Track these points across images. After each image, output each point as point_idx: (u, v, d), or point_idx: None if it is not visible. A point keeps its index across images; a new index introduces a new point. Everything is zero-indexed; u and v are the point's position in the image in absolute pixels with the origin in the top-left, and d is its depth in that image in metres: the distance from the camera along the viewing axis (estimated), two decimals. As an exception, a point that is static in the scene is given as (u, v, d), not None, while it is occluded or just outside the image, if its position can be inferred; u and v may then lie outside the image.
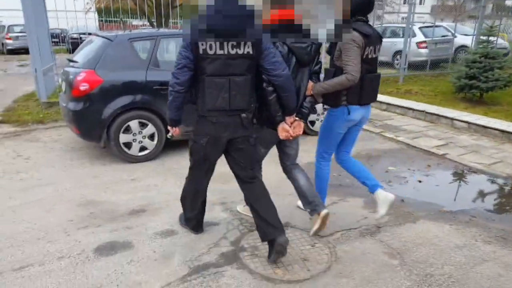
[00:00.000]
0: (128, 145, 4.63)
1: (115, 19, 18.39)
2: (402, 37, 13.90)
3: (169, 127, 2.75)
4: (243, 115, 2.58)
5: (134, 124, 4.57)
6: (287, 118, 2.74)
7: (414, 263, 2.78)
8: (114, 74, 4.45)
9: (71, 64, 4.82)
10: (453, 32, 12.64)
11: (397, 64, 13.69)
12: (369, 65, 2.85)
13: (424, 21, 19.23)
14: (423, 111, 7.15)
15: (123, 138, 4.56)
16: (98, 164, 4.66)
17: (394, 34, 14.35)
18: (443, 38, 13.11)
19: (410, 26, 11.09)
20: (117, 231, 3.18)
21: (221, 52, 2.40)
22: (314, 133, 5.92)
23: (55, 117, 6.68)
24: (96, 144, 4.90)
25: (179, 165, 4.54)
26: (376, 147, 5.50)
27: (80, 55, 4.85)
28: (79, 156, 4.90)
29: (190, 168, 2.90)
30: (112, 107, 4.42)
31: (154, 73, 4.60)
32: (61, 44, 18.78)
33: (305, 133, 5.94)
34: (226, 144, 2.65)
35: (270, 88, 2.59)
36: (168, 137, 2.94)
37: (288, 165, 3.12)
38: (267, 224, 2.67)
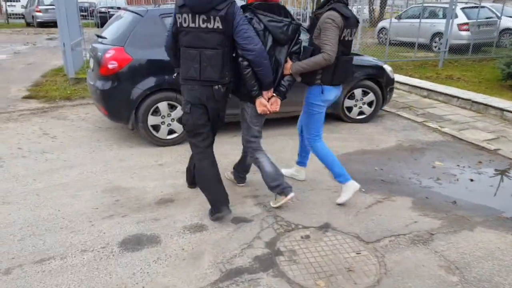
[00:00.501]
0: (156, 127, 4.40)
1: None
2: (442, 18, 13.15)
3: None
4: (215, 87, 2.74)
5: (163, 106, 4.33)
6: (264, 93, 2.87)
7: (478, 282, 2.44)
8: (144, 52, 4.18)
9: (100, 40, 4.58)
10: (498, 14, 11.76)
11: (435, 47, 12.95)
12: (345, 48, 2.96)
13: (467, 1, 18.15)
14: (469, 99, 6.61)
15: (152, 120, 4.33)
16: (125, 146, 4.45)
17: (433, 15, 13.51)
18: (487, 20, 12.23)
19: (453, 7, 10.32)
20: (143, 222, 2.97)
21: (193, 25, 2.63)
22: (352, 120, 5.56)
23: (83, 93, 6.53)
24: (123, 125, 4.70)
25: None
26: (419, 139, 5.08)
27: (109, 31, 4.60)
28: (106, 136, 4.71)
29: (190, 144, 3.05)
30: (141, 87, 4.17)
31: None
32: (89, 18, 18.70)
33: (340, 119, 5.62)
34: (207, 112, 2.87)
35: (245, 63, 2.72)
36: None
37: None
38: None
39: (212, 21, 2.60)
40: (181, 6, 2.64)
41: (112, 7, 14.52)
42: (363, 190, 3.60)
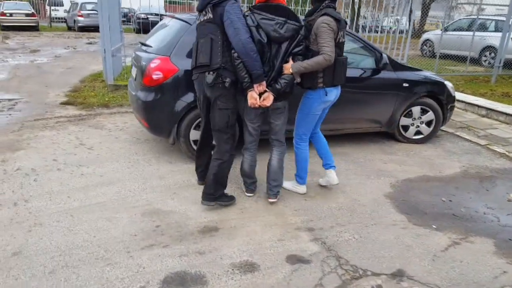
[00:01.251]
0: (196, 143, 4.06)
1: (180, 0, 18.18)
2: (494, 31, 12.38)
3: None
4: (207, 73, 2.93)
5: (207, 120, 4.00)
6: (255, 86, 2.95)
7: None
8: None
9: (144, 48, 4.31)
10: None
11: (485, 61, 12.19)
12: (339, 49, 3.13)
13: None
14: (536, 121, 5.99)
15: (194, 135, 4.00)
16: (164, 162, 4.15)
17: (483, 28, 12.73)
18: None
19: (511, 20, 9.59)
20: (187, 256, 2.62)
21: (198, 22, 3.08)
22: (408, 141, 5.07)
23: (121, 101, 6.33)
24: (163, 139, 4.40)
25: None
26: (486, 165, 4.54)
27: (154, 39, 4.33)
28: (144, 150, 4.43)
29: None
30: (186, 100, 3.86)
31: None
32: (127, 23, 18.90)
33: (395, 138, 5.16)
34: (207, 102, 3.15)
35: (236, 54, 2.88)
36: None
37: (272, 138, 3.34)
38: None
39: (206, 13, 2.93)
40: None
41: (151, 13, 14.60)
42: (434, 226, 3.14)
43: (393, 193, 3.74)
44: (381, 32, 11.27)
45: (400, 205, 3.51)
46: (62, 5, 25.50)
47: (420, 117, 5.01)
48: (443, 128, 5.52)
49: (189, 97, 3.84)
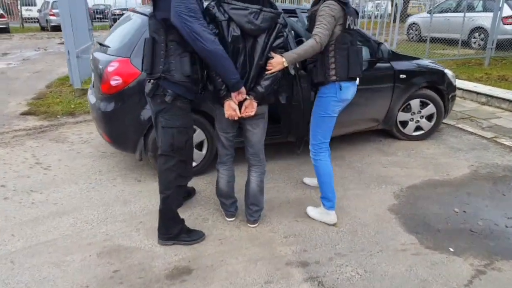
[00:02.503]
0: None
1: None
2: (482, 11, 11.91)
3: None
4: (147, 81, 2.40)
5: (178, 130, 3.43)
6: (233, 95, 2.44)
7: None
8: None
9: (102, 48, 3.70)
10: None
11: (475, 43, 11.74)
12: (352, 37, 2.73)
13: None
14: (542, 108, 5.53)
15: (164, 148, 3.44)
16: (132, 180, 3.58)
17: (470, 8, 12.25)
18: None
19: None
20: (151, 313, 2.08)
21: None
22: (407, 137, 4.57)
23: (88, 108, 5.69)
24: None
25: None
26: (497, 162, 4.05)
27: (113, 38, 3.72)
28: (109, 166, 3.85)
29: None
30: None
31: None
32: (104, 20, 18.08)
33: (393, 136, 4.65)
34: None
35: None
36: None
37: (249, 153, 2.78)
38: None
39: (151, 5, 2.34)
40: None
41: (126, 9, 13.82)
42: (452, 250, 2.63)
43: (398, 205, 3.23)
44: (362, 18, 10.72)
45: (408, 221, 3.00)
46: (35, 5, 24.46)
47: (420, 111, 4.49)
48: (444, 120, 5.02)
49: (154, 105, 3.26)
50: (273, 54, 2.46)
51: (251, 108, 2.49)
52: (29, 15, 23.57)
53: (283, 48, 2.53)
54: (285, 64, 2.48)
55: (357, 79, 2.83)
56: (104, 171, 3.74)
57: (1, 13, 17.90)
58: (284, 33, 2.52)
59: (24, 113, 5.50)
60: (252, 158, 2.78)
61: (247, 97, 2.47)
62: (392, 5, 10.77)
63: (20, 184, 3.48)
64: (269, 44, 2.44)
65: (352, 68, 2.70)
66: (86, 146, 4.36)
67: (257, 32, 2.39)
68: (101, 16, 19.32)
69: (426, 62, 4.59)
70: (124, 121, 3.33)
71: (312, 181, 3.47)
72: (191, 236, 2.68)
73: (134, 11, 3.85)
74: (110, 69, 3.23)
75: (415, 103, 4.42)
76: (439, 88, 4.47)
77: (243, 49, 2.41)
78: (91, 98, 3.73)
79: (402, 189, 3.50)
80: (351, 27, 2.69)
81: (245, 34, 2.38)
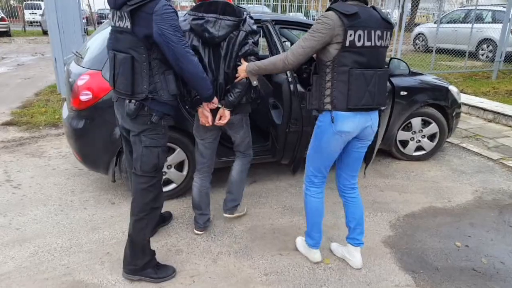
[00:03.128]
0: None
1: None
2: (491, 22, 11.63)
3: None
4: (127, 101, 2.15)
5: (155, 149, 3.15)
6: (204, 104, 2.44)
7: None
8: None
9: (78, 59, 3.44)
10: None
11: (483, 55, 11.44)
12: (360, 56, 2.11)
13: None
14: (552, 126, 5.21)
15: (140, 168, 3.17)
16: (105, 202, 3.30)
17: (479, 19, 11.97)
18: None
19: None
20: None
21: (113, 24, 2.18)
22: (407, 158, 4.27)
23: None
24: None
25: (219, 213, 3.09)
26: (503, 188, 3.74)
27: (88, 48, 3.46)
28: (83, 185, 3.58)
29: None
30: (124, 126, 3.01)
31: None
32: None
33: (391, 156, 4.35)
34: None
35: None
36: None
37: (236, 149, 2.87)
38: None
39: (122, 17, 2.06)
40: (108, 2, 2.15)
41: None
42: (452, 295, 2.33)
43: (394, 237, 2.93)
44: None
45: (404, 257, 2.69)
46: (40, 8, 24.43)
47: (421, 130, 4.20)
48: (447, 139, 4.72)
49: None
50: (242, 61, 2.43)
51: (224, 117, 2.51)
52: (33, 18, 23.50)
53: (253, 55, 2.46)
54: (246, 75, 2.40)
55: (379, 108, 2.29)
56: (77, 191, 3.47)
57: (2, 17, 17.78)
58: (250, 40, 2.44)
59: (5, 123, 5.25)
60: (236, 150, 2.88)
61: (219, 105, 2.47)
62: (402, 13, 10.51)
63: (-16, 205, 3.22)
64: (234, 52, 2.42)
65: (353, 96, 2.13)
66: (63, 162, 4.09)
67: (216, 41, 2.38)
68: (103, 21, 19.28)
69: (429, 78, 4.29)
70: (95, 139, 3.06)
71: (342, 253, 2.69)
72: (158, 273, 2.39)
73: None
74: (80, 82, 2.96)
75: (416, 121, 4.12)
76: (442, 105, 4.18)
77: (207, 57, 2.42)
78: (65, 112, 3.47)
79: (399, 217, 3.20)
80: (357, 44, 2.08)
81: (205, 43, 2.40)
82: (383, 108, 2.31)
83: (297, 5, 14.44)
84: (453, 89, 4.30)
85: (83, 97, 2.94)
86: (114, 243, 2.76)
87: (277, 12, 13.87)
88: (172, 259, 2.61)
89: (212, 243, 2.79)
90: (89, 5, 17.27)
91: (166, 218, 3.01)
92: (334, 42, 2.07)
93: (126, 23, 2.05)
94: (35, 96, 6.74)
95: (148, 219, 2.32)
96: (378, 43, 2.13)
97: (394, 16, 11.32)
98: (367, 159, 2.85)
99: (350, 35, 2.04)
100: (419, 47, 13.56)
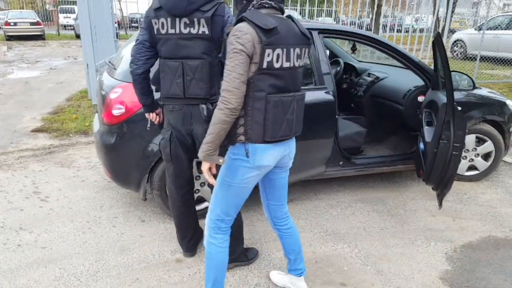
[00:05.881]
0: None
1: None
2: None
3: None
4: (202, 105, 2.13)
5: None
6: None
7: None
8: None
9: (109, 69, 3.27)
10: None
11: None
12: (278, 79, 1.77)
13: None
14: None
15: (172, 186, 2.97)
16: (135, 220, 3.11)
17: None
18: None
19: None
20: None
21: (172, 31, 2.16)
22: (457, 178, 3.91)
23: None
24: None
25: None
26: None
27: (120, 58, 3.28)
28: (113, 200, 3.41)
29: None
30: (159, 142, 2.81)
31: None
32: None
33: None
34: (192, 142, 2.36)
35: None
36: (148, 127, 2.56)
37: None
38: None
39: (193, 23, 2.13)
40: (157, 9, 2.16)
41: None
42: None
43: (453, 273, 2.60)
44: (399, 32, 10.01)
45: (467, 299, 2.37)
46: (74, 12, 25.00)
47: (475, 148, 3.84)
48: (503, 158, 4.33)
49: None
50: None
51: None
52: (67, 22, 24.08)
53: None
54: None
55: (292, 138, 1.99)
56: (105, 207, 3.30)
57: (38, 20, 18.24)
58: None
59: (36, 130, 5.19)
60: None
61: None
62: (434, 19, 10.06)
63: (11, 219, 3.08)
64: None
65: (270, 127, 1.80)
66: (92, 173, 3.94)
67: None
68: (137, 25, 19.53)
69: (484, 91, 3.93)
70: (127, 155, 2.87)
71: (280, 278, 2.44)
72: (248, 256, 2.62)
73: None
74: (112, 95, 2.79)
75: (470, 139, 3.77)
76: (498, 121, 3.81)
77: None
78: (96, 124, 3.31)
79: (456, 248, 2.87)
80: (275, 65, 1.73)
81: None
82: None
83: (326, 10, 14.11)
84: (510, 103, 3.92)
85: (115, 111, 2.75)
86: (144, 267, 2.55)
87: (304, 17, 13.60)
88: None
89: (249, 273, 2.55)
90: (121, 10, 17.50)
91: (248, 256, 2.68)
92: (252, 61, 1.71)
93: (201, 29, 2.12)
94: (66, 102, 6.71)
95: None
96: (296, 63, 1.82)
97: (429, 22, 10.85)
98: (440, 193, 2.75)
99: (268, 54, 1.70)
100: (457, 54, 12.98)
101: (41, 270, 2.51)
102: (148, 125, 2.55)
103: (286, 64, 1.76)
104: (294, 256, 2.25)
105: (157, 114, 2.47)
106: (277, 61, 1.72)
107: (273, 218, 2.20)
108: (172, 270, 2.54)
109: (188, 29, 2.13)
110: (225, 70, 1.70)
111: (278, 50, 1.71)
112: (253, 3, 1.77)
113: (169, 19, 2.13)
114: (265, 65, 1.70)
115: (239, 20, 1.72)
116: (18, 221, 3.05)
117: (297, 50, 1.80)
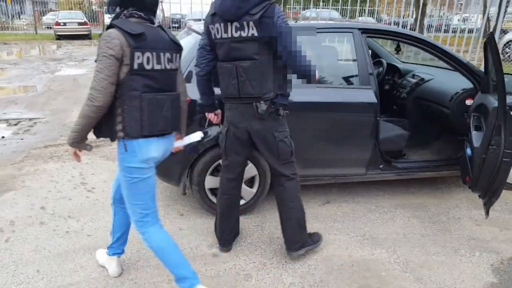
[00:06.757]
0: (217, 191, 3.08)
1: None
2: None
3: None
4: (257, 103, 2.32)
5: (228, 163, 2.99)
6: None
7: None
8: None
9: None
10: None
11: None
12: (151, 80, 1.94)
13: None
14: None
15: (211, 182, 3.03)
16: (174, 214, 3.20)
17: None
18: None
19: None
20: None
21: (225, 35, 2.29)
22: (506, 187, 3.71)
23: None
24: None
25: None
26: None
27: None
28: (154, 194, 3.52)
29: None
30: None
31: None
32: (181, 30, 18.50)
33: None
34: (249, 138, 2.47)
35: None
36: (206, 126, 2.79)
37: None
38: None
39: (243, 27, 2.22)
40: (212, 15, 2.31)
41: (199, 19, 13.86)
42: None
43: (499, 285, 2.49)
44: (446, 32, 9.60)
45: (514, 313, 2.26)
46: (118, 12, 25.92)
47: (526, 156, 3.63)
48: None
49: (205, 135, 2.86)
50: None
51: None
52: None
53: None
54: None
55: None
56: (147, 200, 3.41)
57: (85, 21, 19.08)
58: None
59: (84, 124, 5.43)
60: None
61: None
62: (483, 19, 9.59)
63: (60, 207, 3.25)
64: None
65: (146, 123, 1.92)
66: (135, 166, 4.08)
67: None
68: (177, 25, 19.92)
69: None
70: (169, 150, 2.96)
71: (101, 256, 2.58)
72: (313, 239, 2.74)
73: (190, 28, 3.47)
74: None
75: (520, 145, 3.57)
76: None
77: None
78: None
79: (503, 260, 2.74)
80: (146, 67, 1.89)
81: None
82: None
83: (368, 9, 13.85)
84: None
85: (159, 106, 2.84)
86: (182, 261, 2.62)
87: (345, 17, 13.38)
88: (240, 285, 2.41)
89: (284, 272, 2.56)
90: (162, 10, 17.96)
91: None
92: (123, 63, 1.85)
93: (250, 31, 2.21)
94: (112, 98, 6.97)
95: (300, 203, 2.59)
96: (168, 66, 2.01)
97: (478, 23, 10.37)
98: (488, 201, 2.75)
99: (138, 57, 1.86)
100: (509, 56, 12.33)
101: (87, 256, 2.64)
102: (206, 124, 2.77)
103: (157, 66, 1.95)
104: (119, 235, 2.43)
105: (215, 115, 2.68)
106: (147, 63, 1.90)
107: (116, 196, 2.34)
108: (209, 264, 2.59)
109: (238, 32, 2.24)
110: (95, 71, 1.84)
111: (148, 54, 1.89)
112: (124, 12, 1.92)
113: (222, 24, 2.27)
114: (136, 66, 1.87)
115: (109, 27, 1.86)
116: (67, 210, 3.22)
117: (168, 54, 2.00)
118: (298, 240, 2.62)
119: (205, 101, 2.62)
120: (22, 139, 4.90)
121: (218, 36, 2.31)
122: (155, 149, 2.01)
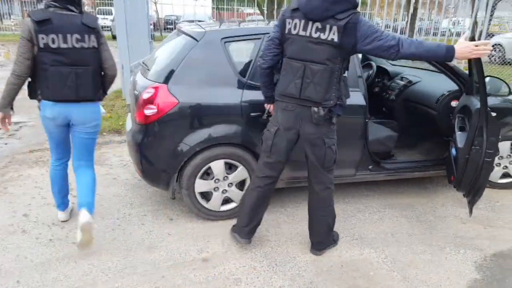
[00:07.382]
0: (206, 195, 3.09)
1: (227, 6, 17.21)
2: None
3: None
4: (315, 108, 2.34)
5: (218, 166, 2.99)
6: None
7: None
8: (196, 93, 2.88)
9: (142, 70, 3.37)
10: None
11: None
12: (60, 56, 2.50)
13: None
14: None
15: (201, 185, 3.02)
16: (163, 218, 3.18)
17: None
18: None
19: None
20: None
21: (303, 33, 2.29)
22: (490, 185, 3.77)
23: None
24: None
25: (278, 231, 2.85)
26: None
27: (155, 59, 3.37)
28: (143, 198, 3.50)
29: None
30: (189, 142, 2.87)
31: (254, 93, 2.92)
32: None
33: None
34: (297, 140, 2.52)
35: None
36: (264, 117, 2.82)
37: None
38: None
39: (324, 30, 2.23)
40: (294, 10, 2.32)
41: (192, 21, 13.74)
42: None
43: (482, 282, 2.53)
44: (435, 35, 9.69)
45: (497, 311, 2.29)
46: (111, 14, 25.69)
47: (510, 155, 3.70)
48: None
49: (194, 139, 2.87)
50: None
51: None
52: (104, 23, 24.75)
53: None
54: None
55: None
56: (135, 204, 3.39)
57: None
58: None
59: (72, 128, 5.38)
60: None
61: None
62: (471, 22, 9.70)
63: (44, 215, 3.20)
64: None
65: (51, 90, 2.55)
66: (124, 171, 4.06)
67: None
68: (172, 26, 19.73)
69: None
70: (157, 154, 2.94)
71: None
72: (334, 238, 2.87)
73: (180, 30, 3.46)
74: (145, 96, 2.86)
75: (504, 146, 3.63)
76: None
77: None
78: (128, 123, 3.41)
79: (486, 257, 2.78)
80: (51, 46, 2.45)
81: None
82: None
83: (361, 13, 13.93)
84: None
85: (147, 111, 2.82)
86: (170, 265, 2.61)
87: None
88: (228, 291, 2.41)
89: (274, 274, 2.56)
90: (156, 11, 17.85)
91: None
92: (34, 44, 2.45)
93: (331, 36, 2.20)
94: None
95: (330, 211, 2.67)
96: (77, 45, 2.50)
97: (466, 25, 10.50)
98: (471, 200, 2.82)
99: (42, 38, 2.43)
100: (495, 59, 12.50)
101: (71, 265, 2.61)
102: (265, 115, 2.79)
103: (63, 45, 2.48)
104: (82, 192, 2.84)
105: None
106: (53, 43, 2.45)
107: (74, 165, 2.90)
108: (198, 269, 2.58)
109: (318, 33, 2.23)
110: (18, 47, 2.47)
111: (53, 35, 2.44)
112: (44, 2, 2.48)
113: (302, 21, 2.26)
114: (41, 45, 2.45)
115: (28, 16, 2.45)
116: (51, 217, 3.17)
117: (76, 35, 2.48)
118: (325, 241, 2.74)
119: (266, 93, 2.64)
120: (6, 143, 4.83)
121: (294, 32, 2.30)
122: (49, 112, 2.60)
